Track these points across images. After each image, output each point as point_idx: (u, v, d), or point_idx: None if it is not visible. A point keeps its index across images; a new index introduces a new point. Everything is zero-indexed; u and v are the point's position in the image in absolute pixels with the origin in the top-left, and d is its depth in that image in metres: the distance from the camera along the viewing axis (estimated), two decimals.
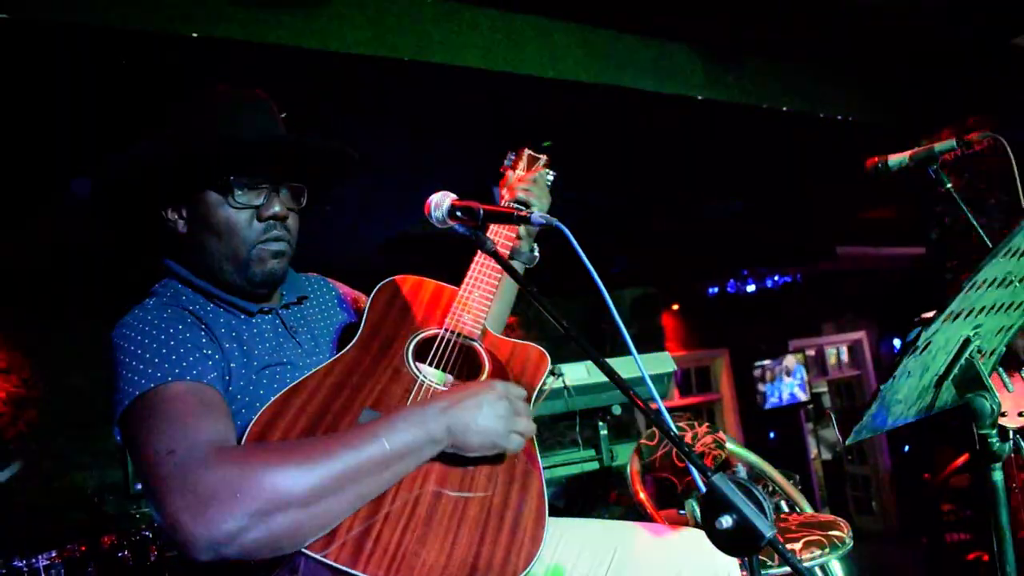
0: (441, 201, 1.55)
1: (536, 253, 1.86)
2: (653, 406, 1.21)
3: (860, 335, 11.23)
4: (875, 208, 7.54)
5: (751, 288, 9.08)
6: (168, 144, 1.54)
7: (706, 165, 5.59)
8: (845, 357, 11.44)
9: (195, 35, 2.85)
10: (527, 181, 1.94)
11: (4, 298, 5.55)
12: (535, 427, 1.52)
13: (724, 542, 1.12)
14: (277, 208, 1.59)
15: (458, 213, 1.54)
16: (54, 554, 3.41)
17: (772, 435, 9.90)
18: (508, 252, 1.85)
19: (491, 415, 1.42)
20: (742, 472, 2.89)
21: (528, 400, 1.59)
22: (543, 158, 2.07)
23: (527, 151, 2.07)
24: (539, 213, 1.44)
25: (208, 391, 1.38)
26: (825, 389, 11.03)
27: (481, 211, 1.50)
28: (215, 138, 1.53)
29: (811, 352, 10.82)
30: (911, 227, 5.53)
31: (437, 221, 1.56)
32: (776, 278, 9.04)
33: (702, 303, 9.55)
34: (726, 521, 1.10)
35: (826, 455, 10.53)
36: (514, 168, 2.04)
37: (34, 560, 3.36)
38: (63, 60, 2.94)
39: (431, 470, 1.40)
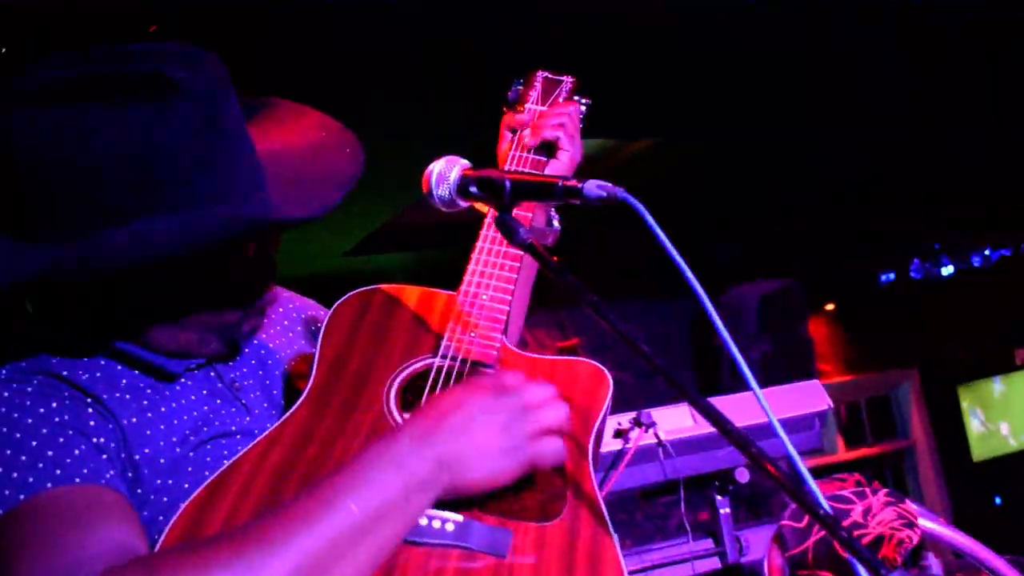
0: (447, 172, 1.26)
1: (557, 225, 1.58)
2: (776, 470, 1.01)
3: None
4: None
5: (948, 270, 7.62)
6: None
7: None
8: None
9: None
10: (551, 118, 1.60)
11: None
12: (566, 409, 1.19)
13: None
14: None
15: (472, 189, 1.26)
16: None
17: (998, 500, 8.12)
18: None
19: (491, 423, 1.12)
20: (935, 569, 2.39)
21: (587, 439, 1.29)
22: (566, 81, 1.73)
23: (542, 74, 1.74)
24: (594, 183, 1.18)
25: (105, 493, 1.09)
26: None
27: (507, 183, 1.22)
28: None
29: None
30: None
31: (442, 201, 1.28)
32: (987, 252, 7.53)
33: (871, 298, 8.05)
34: None
35: None
36: (523, 101, 1.69)
37: None
38: None
39: (446, 566, 1.09)
